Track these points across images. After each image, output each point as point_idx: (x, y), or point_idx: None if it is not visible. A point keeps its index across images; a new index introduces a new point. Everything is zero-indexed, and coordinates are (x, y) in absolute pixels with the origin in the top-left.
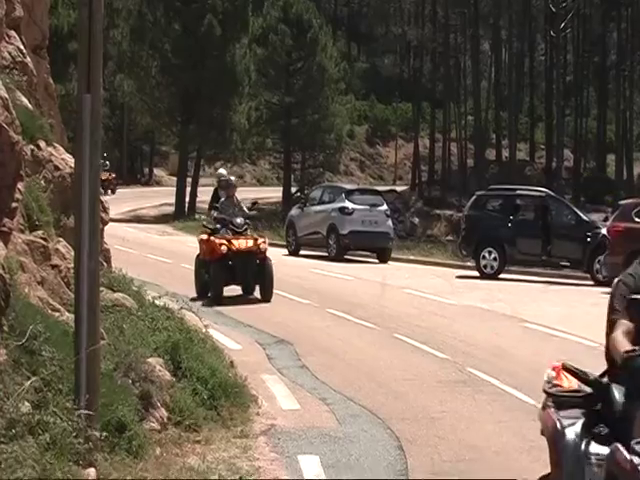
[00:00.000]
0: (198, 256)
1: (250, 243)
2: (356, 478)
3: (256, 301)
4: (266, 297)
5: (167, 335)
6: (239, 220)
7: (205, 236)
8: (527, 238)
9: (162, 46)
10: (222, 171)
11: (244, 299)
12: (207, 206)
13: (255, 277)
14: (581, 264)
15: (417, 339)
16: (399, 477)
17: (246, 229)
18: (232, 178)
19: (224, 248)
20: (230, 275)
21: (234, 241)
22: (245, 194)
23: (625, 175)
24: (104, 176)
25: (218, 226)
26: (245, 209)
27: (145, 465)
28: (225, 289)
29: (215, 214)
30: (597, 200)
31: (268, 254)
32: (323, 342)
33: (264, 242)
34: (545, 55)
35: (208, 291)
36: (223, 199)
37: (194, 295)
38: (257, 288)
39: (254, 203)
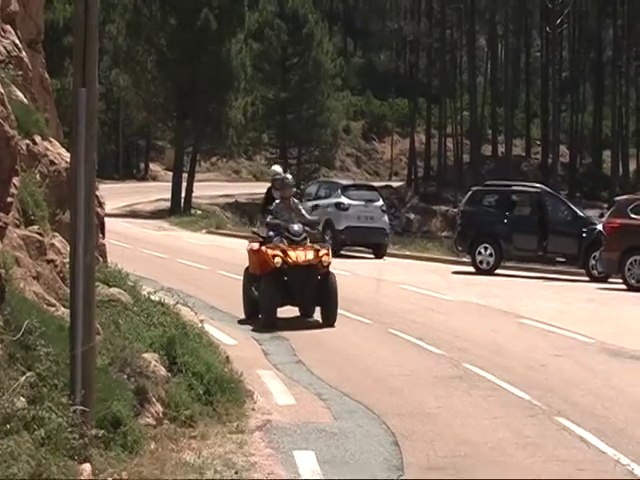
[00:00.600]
0: (247, 269)
1: (310, 255)
2: (352, 474)
3: (317, 325)
4: (329, 320)
5: (163, 330)
6: (296, 227)
7: (255, 245)
8: (523, 234)
9: (158, 41)
10: (276, 168)
11: (303, 323)
12: (260, 209)
13: (316, 296)
14: (577, 260)
15: (413, 335)
16: (394, 472)
17: (305, 238)
18: (288, 177)
19: (278, 261)
20: (285, 293)
21: (290, 252)
22: (241, 189)
23: (621, 171)
24: None
25: (271, 234)
26: (305, 213)
27: (140, 460)
28: (279, 310)
29: (268, 219)
30: (593, 196)
31: (332, 268)
32: (319, 338)
33: (327, 254)
34: (541, 51)
35: (259, 311)
36: (278, 201)
37: (239, 314)
38: (318, 309)
39: (314, 207)
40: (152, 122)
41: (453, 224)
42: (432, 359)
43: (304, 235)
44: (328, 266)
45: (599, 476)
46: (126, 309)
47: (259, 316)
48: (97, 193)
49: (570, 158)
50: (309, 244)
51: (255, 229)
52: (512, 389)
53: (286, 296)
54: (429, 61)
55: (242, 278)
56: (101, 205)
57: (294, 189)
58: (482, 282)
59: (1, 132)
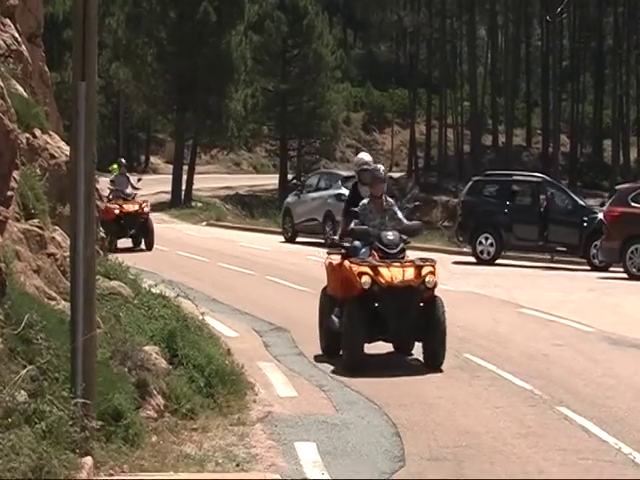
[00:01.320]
0: (325, 290)
1: (409, 273)
2: (353, 465)
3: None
4: (435, 360)
5: (163, 323)
6: (391, 236)
7: (336, 259)
8: (524, 224)
9: (158, 34)
10: (364, 156)
11: (398, 363)
12: (342, 212)
13: (416, 328)
14: (578, 249)
15: None
16: (396, 463)
17: (403, 250)
18: (380, 168)
19: (366, 280)
20: (376, 324)
21: (383, 270)
22: (242, 182)
23: (621, 160)
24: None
25: (357, 244)
26: (402, 217)
27: (142, 453)
28: (367, 345)
29: (352, 224)
30: (594, 185)
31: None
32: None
33: (432, 272)
34: (541, 40)
35: (340, 346)
36: (366, 201)
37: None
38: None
39: (417, 203)
40: (152, 115)
41: (454, 214)
42: None
43: (401, 246)
44: (434, 288)
45: (600, 465)
46: (127, 302)
47: (340, 353)
48: (97, 186)
49: (571, 147)
50: (408, 258)
51: (335, 237)
52: (513, 379)
53: (377, 328)
54: (429, 51)
55: (319, 300)
56: (101, 198)
57: (385, 183)
58: (483, 272)
59: (1, 126)
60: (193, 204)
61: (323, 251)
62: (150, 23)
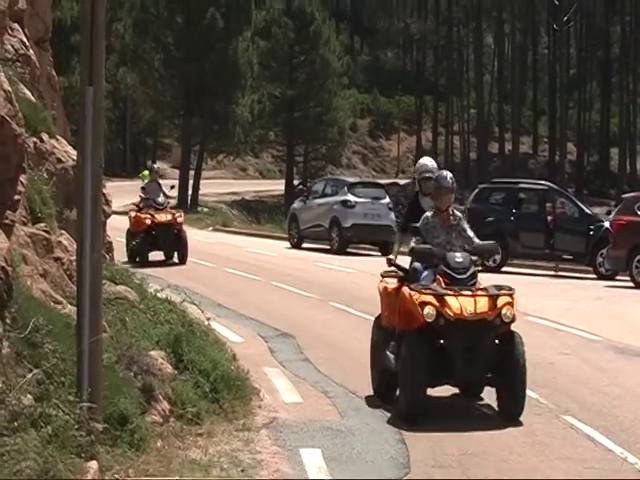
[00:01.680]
0: (377, 320)
1: (482, 305)
2: (358, 472)
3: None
4: (513, 409)
5: (169, 328)
6: (459, 258)
7: (392, 283)
8: (530, 232)
9: (165, 39)
10: (426, 162)
11: (469, 413)
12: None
13: (489, 370)
14: (584, 257)
15: None
16: (401, 470)
17: (474, 275)
18: (447, 174)
19: (430, 312)
20: (441, 365)
21: (450, 299)
22: (248, 187)
23: (628, 169)
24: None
25: (417, 265)
26: (471, 234)
27: (147, 458)
28: None
29: (412, 242)
30: (600, 193)
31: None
32: (325, 335)
33: (509, 302)
34: (548, 48)
35: (394, 386)
36: (429, 214)
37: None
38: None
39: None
40: (159, 120)
41: None
42: None
43: (472, 270)
44: (511, 322)
45: (606, 475)
46: (133, 307)
47: (396, 394)
48: (104, 191)
49: (577, 155)
50: (480, 285)
51: (391, 256)
52: None
53: (442, 369)
54: (436, 59)
55: (371, 331)
56: (108, 203)
57: (454, 194)
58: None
59: (9, 130)
60: (199, 209)
61: (327, 257)
62: (157, 28)
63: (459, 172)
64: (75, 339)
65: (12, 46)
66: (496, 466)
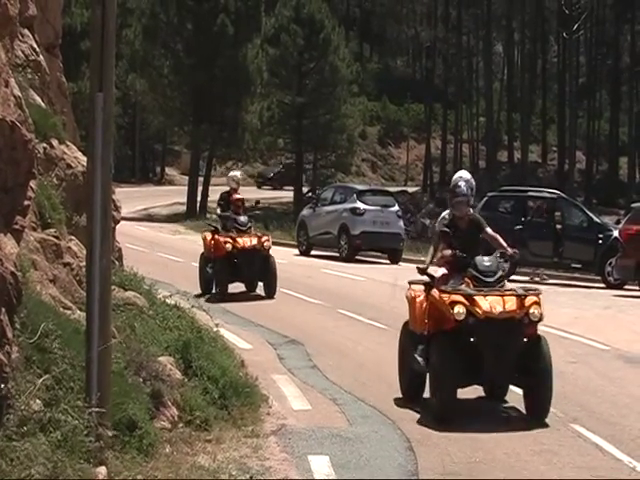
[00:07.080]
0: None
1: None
2: (366, 478)
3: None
4: (541, 413)
5: (178, 334)
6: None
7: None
8: (538, 240)
9: (174, 45)
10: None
11: None
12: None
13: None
14: (592, 266)
15: None
16: (409, 477)
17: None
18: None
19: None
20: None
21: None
22: (257, 194)
23: (637, 178)
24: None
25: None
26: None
27: (156, 464)
28: None
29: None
30: (609, 202)
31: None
32: (334, 342)
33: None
34: (558, 57)
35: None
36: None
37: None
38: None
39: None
40: (168, 126)
41: None
42: None
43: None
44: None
45: None
46: (142, 313)
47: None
48: (113, 197)
49: (586, 164)
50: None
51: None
52: None
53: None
54: (445, 67)
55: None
56: (117, 209)
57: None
58: None
59: (19, 135)
60: (208, 216)
61: (336, 264)
62: (167, 35)
63: None
64: (84, 344)
65: (22, 52)
66: (504, 473)
